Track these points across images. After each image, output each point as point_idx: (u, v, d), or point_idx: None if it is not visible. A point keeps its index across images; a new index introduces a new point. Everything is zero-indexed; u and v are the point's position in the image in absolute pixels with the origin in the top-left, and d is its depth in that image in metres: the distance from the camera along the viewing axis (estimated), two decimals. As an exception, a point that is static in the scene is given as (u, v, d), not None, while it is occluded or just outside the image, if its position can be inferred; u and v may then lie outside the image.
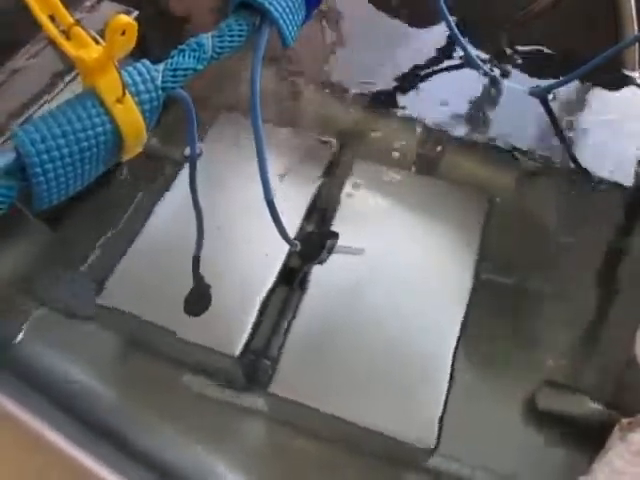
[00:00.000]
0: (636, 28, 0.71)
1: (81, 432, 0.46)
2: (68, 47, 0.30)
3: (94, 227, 0.64)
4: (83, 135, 0.30)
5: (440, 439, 0.46)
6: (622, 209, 0.65)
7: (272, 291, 0.54)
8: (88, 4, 0.72)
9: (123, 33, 0.28)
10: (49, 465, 0.38)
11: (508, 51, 0.77)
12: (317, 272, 0.54)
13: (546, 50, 0.77)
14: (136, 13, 0.72)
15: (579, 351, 0.56)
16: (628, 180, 0.66)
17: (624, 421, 0.40)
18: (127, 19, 0.27)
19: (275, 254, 0.55)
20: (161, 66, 0.34)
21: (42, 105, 0.65)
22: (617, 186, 0.66)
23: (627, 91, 0.73)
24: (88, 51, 0.30)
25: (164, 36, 0.76)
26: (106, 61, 0.29)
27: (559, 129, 0.70)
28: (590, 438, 0.45)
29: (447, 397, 0.48)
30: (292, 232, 0.56)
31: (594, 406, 0.50)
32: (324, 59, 0.78)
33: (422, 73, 0.75)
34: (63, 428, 0.43)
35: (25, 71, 0.68)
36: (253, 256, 0.55)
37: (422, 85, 0.74)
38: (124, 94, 0.31)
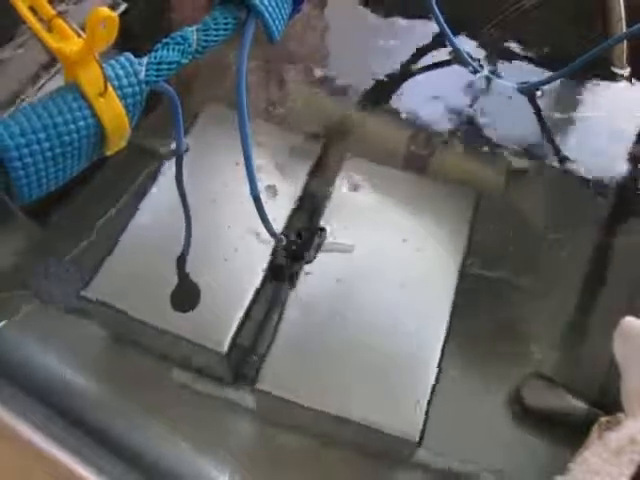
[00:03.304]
0: (624, 25, 0.71)
1: (63, 429, 0.46)
2: (49, 39, 0.29)
3: (81, 221, 0.63)
4: (64, 129, 0.29)
5: (426, 433, 0.47)
6: (609, 206, 0.65)
7: (260, 287, 0.53)
8: (75, -5, 0.71)
9: (104, 26, 0.28)
10: (31, 463, 0.38)
11: (497, 47, 0.77)
12: (305, 268, 0.54)
13: (536, 46, 0.77)
14: (124, 5, 0.72)
15: (566, 347, 0.56)
16: (616, 177, 0.67)
17: (602, 419, 0.41)
18: (107, 12, 0.27)
19: (263, 250, 0.55)
20: (145, 59, 0.33)
21: (29, 96, 0.64)
22: (605, 183, 0.66)
23: (616, 88, 0.74)
24: (69, 44, 0.29)
25: (154, 28, 0.75)
26: (87, 54, 0.29)
27: (547, 126, 0.70)
28: (577, 434, 0.45)
29: (433, 391, 0.48)
30: (280, 228, 0.56)
31: (578, 402, 0.51)
32: (313, 54, 0.77)
33: (411, 69, 0.75)
34: (44, 424, 0.43)
35: (12, 62, 0.67)
36: (241, 252, 0.55)
37: (411, 81, 0.74)
38: (106, 88, 0.30)
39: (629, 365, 0.41)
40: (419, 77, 0.74)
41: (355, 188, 0.59)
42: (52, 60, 0.66)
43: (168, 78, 0.35)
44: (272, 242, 0.54)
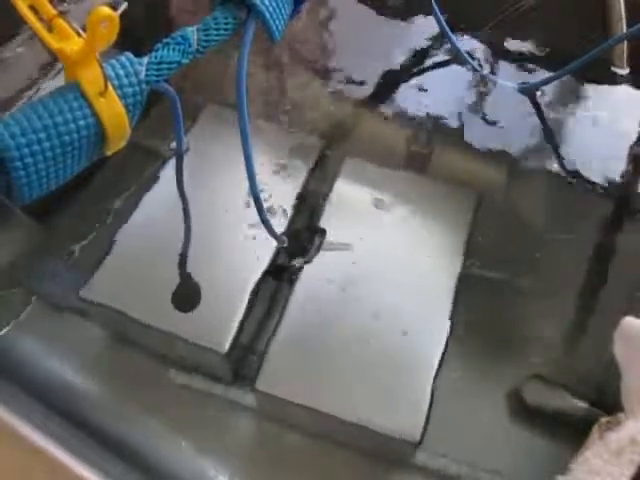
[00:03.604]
0: (624, 25, 0.72)
1: (63, 429, 0.46)
2: (50, 39, 0.29)
3: (81, 220, 0.63)
4: (65, 129, 0.30)
5: (426, 434, 0.47)
6: (609, 207, 0.65)
7: (260, 287, 0.53)
8: (76, -5, 0.71)
9: (105, 25, 0.28)
10: (31, 463, 0.38)
11: (497, 47, 0.77)
12: (306, 268, 0.54)
13: (536, 46, 0.77)
14: (125, 4, 0.72)
15: (565, 348, 0.56)
16: (616, 177, 0.67)
17: (603, 420, 0.41)
18: (108, 11, 0.27)
19: (263, 250, 0.55)
20: (145, 59, 0.33)
21: (30, 97, 0.65)
22: (605, 183, 0.66)
23: (616, 88, 0.74)
24: (70, 43, 0.29)
25: (154, 27, 0.75)
26: (88, 54, 0.29)
27: (547, 126, 0.70)
28: (576, 434, 0.45)
29: (433, 392, 0.48)
30: (280, 228, 0.56)
31: (578, 403, 0.51)
32: (314, 54, 0.77)
33: (411, 69, 0.75)
34: (44, 424, 0.42)
35: (12, 62, 0.67)
36: (241, 251, 0.55)
37: (411, 81, 0.74)
38: (107, 87, 0.30)
39: (629, 365, 0.41)
40: (419, 77, 0.74)
41: (355, 188, 0.59)
42: (52, 60, 0.66)
43: (168, 78, 0.35)
44: (272, 242, 0.54)
